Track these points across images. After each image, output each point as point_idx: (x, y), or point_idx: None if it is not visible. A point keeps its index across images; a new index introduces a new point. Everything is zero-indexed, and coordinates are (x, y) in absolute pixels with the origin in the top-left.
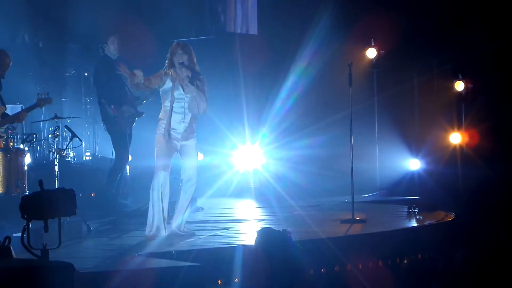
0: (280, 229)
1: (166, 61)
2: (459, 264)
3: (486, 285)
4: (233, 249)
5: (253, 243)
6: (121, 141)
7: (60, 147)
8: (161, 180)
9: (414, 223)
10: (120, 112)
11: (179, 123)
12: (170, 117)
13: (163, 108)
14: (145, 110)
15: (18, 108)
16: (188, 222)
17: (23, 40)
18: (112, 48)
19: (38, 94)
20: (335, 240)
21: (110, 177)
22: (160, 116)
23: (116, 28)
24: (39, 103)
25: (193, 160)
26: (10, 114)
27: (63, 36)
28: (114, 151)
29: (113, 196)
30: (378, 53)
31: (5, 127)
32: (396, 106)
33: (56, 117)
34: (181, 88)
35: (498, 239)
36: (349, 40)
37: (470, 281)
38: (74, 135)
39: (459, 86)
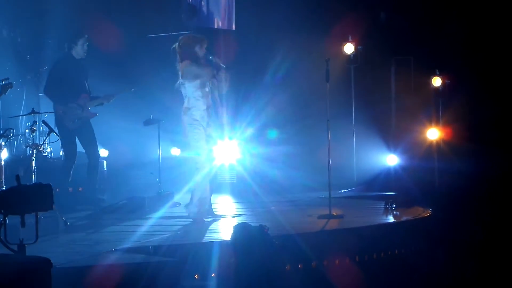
0: (258, 224)
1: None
2: (440, 264)
3: (467, 281)
4: (210, 244)
5: (230, 238)
6: (66, 140)
7: (37, 142)
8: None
9: (391, 219)
10: (66, 111)
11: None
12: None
13: (192, 98)
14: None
15: None
16: (165, 218)
17: (1, 34)
18: (80, 50)
19: None
20: (312, 236)
21: (62, 175)
22: (187, 106)
23: (86, 30)
24: (2, 89)
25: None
26: None
27: (40, 31)
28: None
29: (89, 192)
30: (355, 49)
31: None
32: (373, 102)
33: (33, 112)
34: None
35: (474, 235)
36: (327, 35)
37: (452, 277)
38: (51, 130)
39: (436, 81)
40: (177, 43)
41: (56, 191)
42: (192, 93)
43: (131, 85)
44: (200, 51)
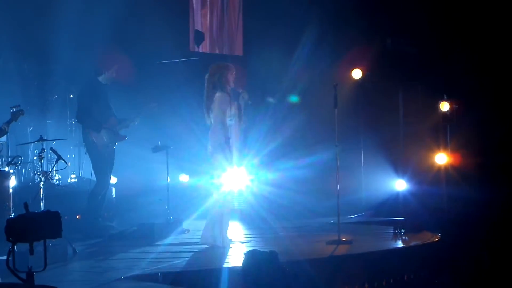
0: (267, 250)
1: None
2: (445, 286)
3: None
4: (219, 270)
5: (240, 265)
6: (100, 165)
7: (45, 169)
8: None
9: (400, 244)
10: (99, 137)
11: None
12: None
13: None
14: (132, 133)
15: None
16: (173, 244)
17: (6, 62)
18: (109, 77)
19: (10, 108)
20: (321, 262)
21: (90, 200)
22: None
23: (120, 59)
24: (13, 117)
25: None
26: None
27: (47, 58)
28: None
29: (96, 219)
30: (363, 74)
31: None
32: (381, 127)
33: (41, 139)
34: None
35: (481, 260)
36: (335, 61)
37: None
38: (59, 157)
39: (444, 106)
40: (208, 74)
41: (65, 218)
42: (218, 122)
43: (149, 103)
44: (231, 78)
